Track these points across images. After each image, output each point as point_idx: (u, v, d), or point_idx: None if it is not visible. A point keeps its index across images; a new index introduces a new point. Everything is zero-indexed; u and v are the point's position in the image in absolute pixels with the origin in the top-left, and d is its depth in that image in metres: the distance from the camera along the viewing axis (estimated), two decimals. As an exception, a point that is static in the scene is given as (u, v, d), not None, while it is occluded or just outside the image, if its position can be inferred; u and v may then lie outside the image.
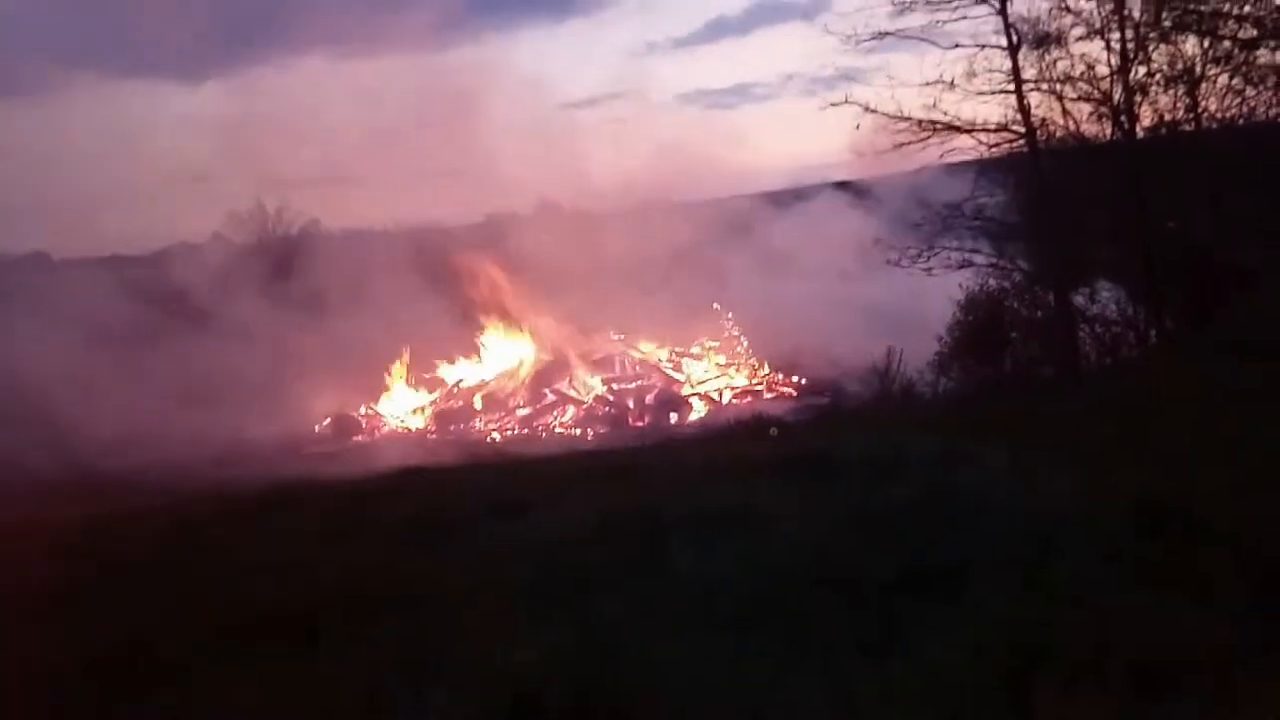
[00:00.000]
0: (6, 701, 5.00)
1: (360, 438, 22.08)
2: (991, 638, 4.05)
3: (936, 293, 15.55)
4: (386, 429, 22.59)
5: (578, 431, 20.94)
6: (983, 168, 15.22)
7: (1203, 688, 3.57)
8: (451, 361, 24.50)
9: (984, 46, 14.03)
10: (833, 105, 14.54)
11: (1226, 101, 13.59)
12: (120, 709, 4.82)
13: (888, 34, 14.29)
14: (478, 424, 22.16)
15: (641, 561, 5.93)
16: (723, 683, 4.14)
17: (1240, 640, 3.84)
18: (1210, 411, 8.02)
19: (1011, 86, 14.09)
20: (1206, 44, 13.41)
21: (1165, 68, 13.87)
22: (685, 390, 22.77)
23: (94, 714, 4.81)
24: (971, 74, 14.04)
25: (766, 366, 24.00)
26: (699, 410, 21.80)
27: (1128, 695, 3.57)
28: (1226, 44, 13.12)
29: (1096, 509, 5.60)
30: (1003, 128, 14.29)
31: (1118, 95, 14.05)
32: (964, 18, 13.95)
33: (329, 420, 22.74)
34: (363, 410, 23.21)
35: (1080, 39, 14.19)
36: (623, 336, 24.79)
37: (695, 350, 24.79)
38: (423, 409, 23.21)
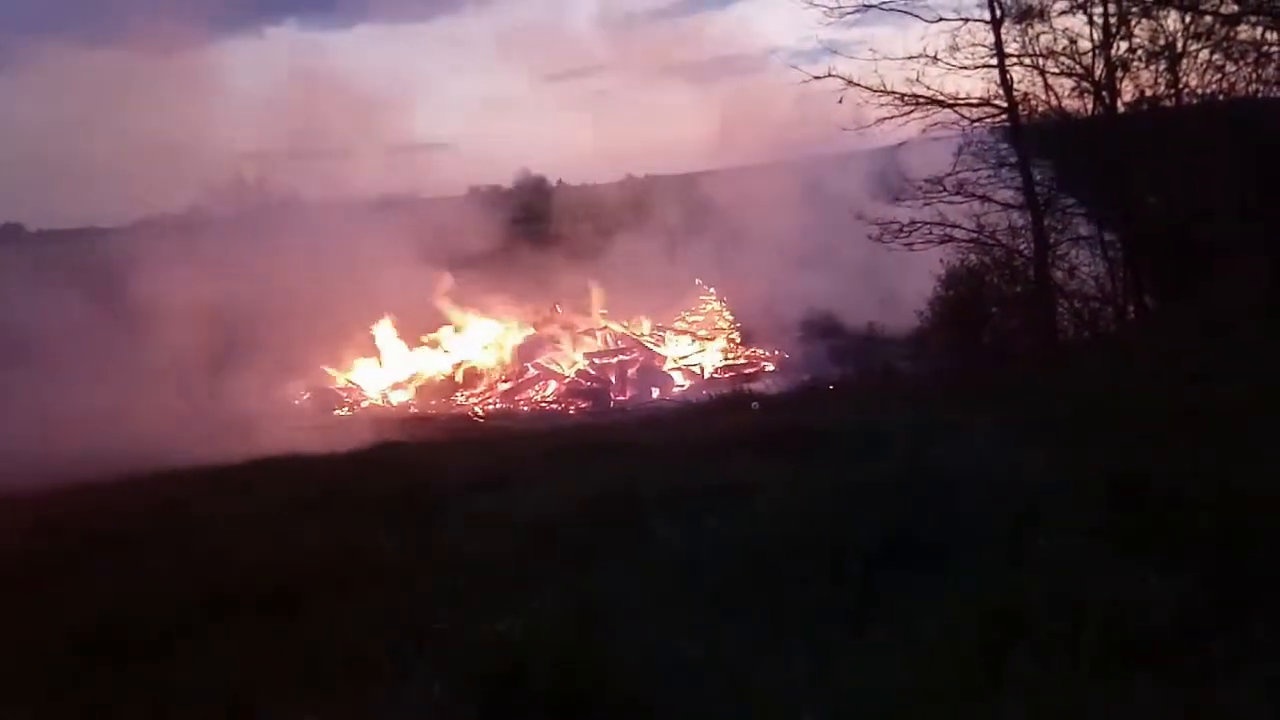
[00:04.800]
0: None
1: (340, 411, 21.98)
2: (970, 609, 4.11)
3: (920, 265, 15.59)
4: (367, 402, 22.50)
5: (559, 406, 20.92)
6: (965, 142, 15.22)
7: (1176, 657, 3.64)
8: (432, 335, 24.39)
9: (967, 20, 14.01)
10: (815, 79, 14.49)
11: (1207, 77, 13.62)
12: (104, 681, 4.83)
13: (870, 6, 14.25)
14: (459, 398, 22.09)
15: (624, 535, 5.96)
16: (706, 655, 4.18)
17: (1214, 611, 3.91)
18: (1185, 386, 8.11)
19: (994, 61, 14.07)
20: (1188, 19, 13.43)
21: (1147, 43, 13.90)
22: (667, 364, 22.78)
23: (78, 686, 4.81)
24: (954, 48, 14.03)
25: (748, 341, 24.04)
26: (681, 384, 21.81)
27: (1102, 665, 3.63)
28: (1208, 19, 13.14)
29: (1074, 481, 5.66)
30: (985, 102, 14.29)
31: (1099, 70, 14.07)
32: (947, -10, 13.93)
33: (308, 394, 22.61)
34: (342, 383, 23.09)
35: (1063, 13, 14.19)
36: (604, 310, 24.74)
37: (678, 324, 24.78)
38: (404, 382, 23.12)
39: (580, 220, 27.53)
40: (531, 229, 27.61)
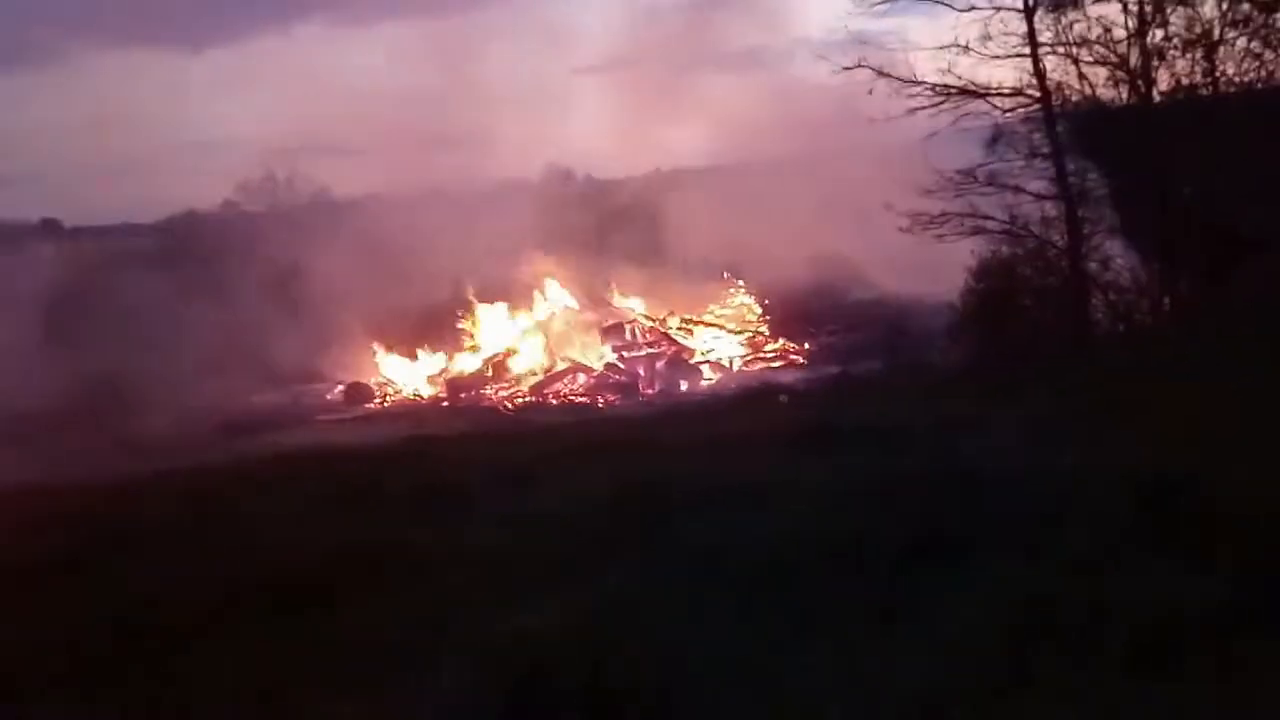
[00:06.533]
0: (27, 666, 5.08)
1: (372, 405, 22.17)
2: (997, 607, 4.08)
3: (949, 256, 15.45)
4: (398, 396, 22.67)
5: (588, 399, 20.98)
6: (997, 132, 15.07)
7: (1202, 658, 3.59)
8: (464, 329, 24.51)
9: (999, 9, 13.85)
10: (845, 69, 14.40)
11: (1244, 65, 13.41)
12: (139, 672, 4.90)
13: (901, -4, 14.14)
14: (489, 391, 22.21)
15: (651, 532, 5.96)
16: (733, 653, 4.17)
17: (1240, 611, 3.85)
18: (1220, 381, 7.98)
19: (1027, 50, 13.92)
20: (1225, 6, 13.22)
21: (1183, 31, 13.68)
22: (695, 358, 22.76)
23: (114, 678, 4.88)
24: (986, 37, 13.88)
25: (775, 333, 23.99)
26: (709, 378, 21.80)
27: (1128, 665, 3.60)
28: (1245, 6, 12.93)
29: (1104, 478, 5.60)
30: (1018, 92, 14.14)
31: (1134, 59, 13.88)
32: (980, -22, 13.77)
33: (341, 388, 22.84)
34: (375, 378, 23.29)
35: (1097, 1, 14.01)
36: (634, 304, 24.76)
37: (706, 318, 24.76)
38: (435, 376, 23.27)
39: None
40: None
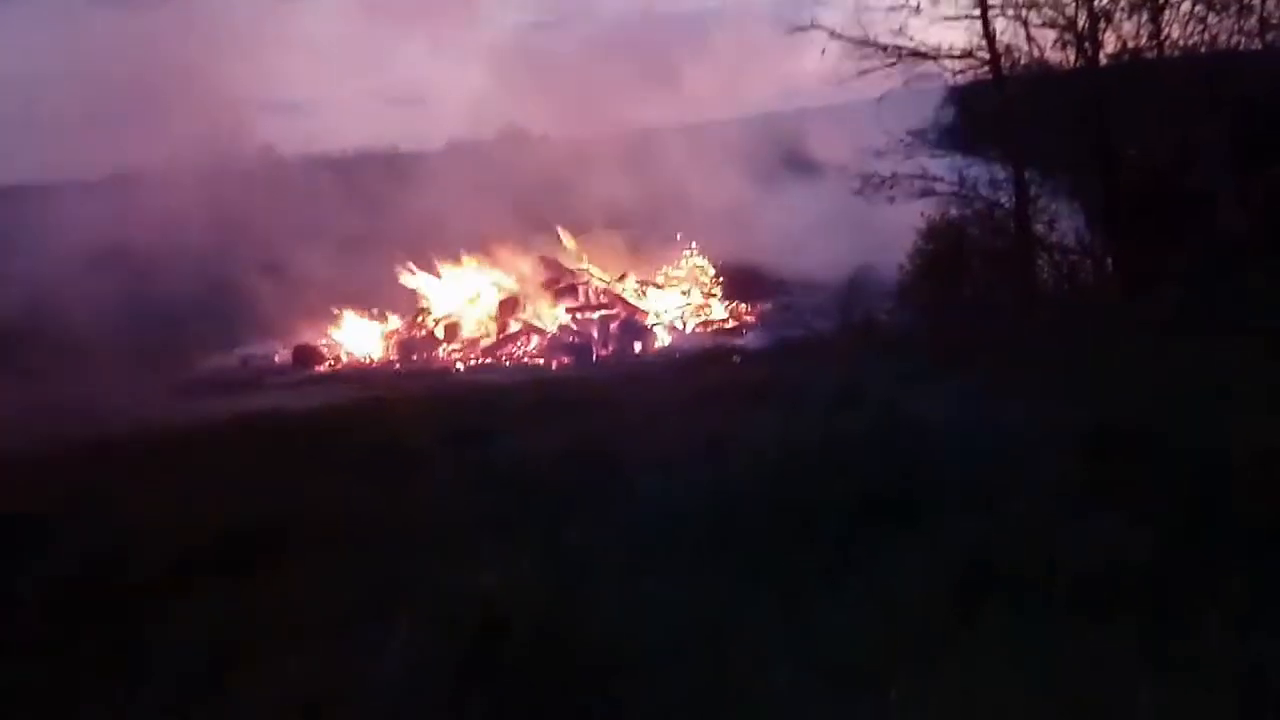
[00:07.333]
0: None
1: (321, 368, 21.91)
2: (946, 561, 4.16)
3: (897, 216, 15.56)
4: (348, 359, 22.43)
5: (542, 361, 20.92)
6: (948, 94, 15.16)
7: (1146, 607, 3.70)
8: (415, 290, 24.26)
9: (952, -32, 13.89)
10: (798, 30, 14.37)
11: (1189, 29, 13.59)
12: (84, 632, 4.85)
13: (855, -45, 14.10)
14: (441, 353, 22.07)
15: (604, 490, 5.99)
16: (685, 610, 4.22)
17: (1188, 561, 3.98)
18: (1161, 338, 8.18)
19: (978, 12, 13.99)
20: (1171, -31, 13.36)
21: (1130, -7, 13.81)
22: (649, 320, 22.77)
23: (58, 637, 4.83)
24: (938, -2, 13.92)
25: (727, 295, 24.06)
26: (663, 339, 21.83)
27: (1074, 614, 3.70)
28: (1191, -31, 13.07)
29: (1052, 434, 5.72)
30: (968, 54, 14.22)
31: (1082, 21, 14.00)
32: (932, -62, 13.77)
33: (289, 350, 22.52)
34: (323, 340, 23.00)
35: (1047, -38, 14.07)
36: (587, 265, 24.66)
37: (659, 279, 24.74)
38: (385, 338, 23.04)
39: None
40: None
